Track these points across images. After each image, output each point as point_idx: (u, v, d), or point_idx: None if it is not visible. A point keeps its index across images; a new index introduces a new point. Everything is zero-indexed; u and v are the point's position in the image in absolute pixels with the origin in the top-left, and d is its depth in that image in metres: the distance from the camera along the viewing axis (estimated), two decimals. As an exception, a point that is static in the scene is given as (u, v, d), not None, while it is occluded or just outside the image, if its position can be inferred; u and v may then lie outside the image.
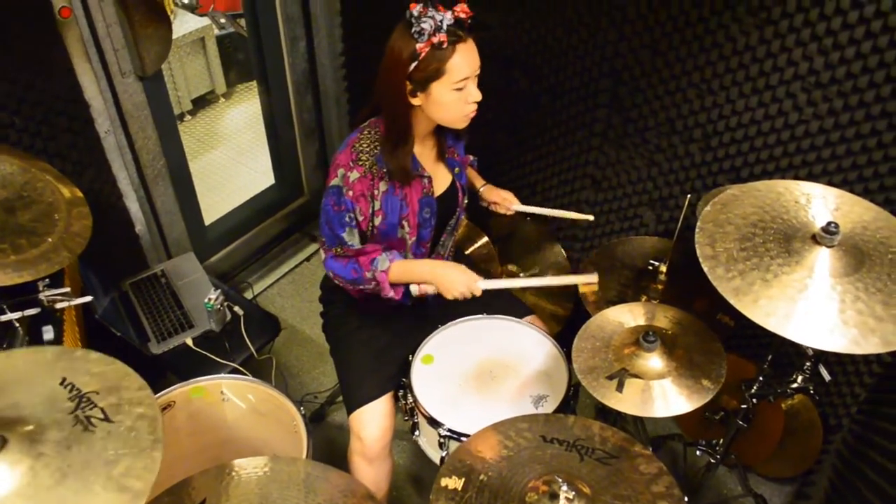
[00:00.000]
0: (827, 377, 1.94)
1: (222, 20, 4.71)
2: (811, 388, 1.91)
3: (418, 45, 1.68)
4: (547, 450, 1.50)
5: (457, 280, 1.90)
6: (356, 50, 3.09)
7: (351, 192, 1.84)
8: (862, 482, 2.02)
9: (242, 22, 4.81)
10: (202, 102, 4.75)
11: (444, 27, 1.67)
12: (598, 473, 1.44)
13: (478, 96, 1.80)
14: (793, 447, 2.46)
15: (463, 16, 1.70)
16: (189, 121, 4.61)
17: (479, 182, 2.30)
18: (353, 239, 1.90)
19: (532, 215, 2.27)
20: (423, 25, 1.66)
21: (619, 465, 1.47)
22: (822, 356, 1.87)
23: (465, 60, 1.72)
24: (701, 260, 1.50)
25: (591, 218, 2.17)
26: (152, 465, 1.25)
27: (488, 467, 1.45)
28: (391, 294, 1.95)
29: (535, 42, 2.42)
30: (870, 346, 1.35)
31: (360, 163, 1.84)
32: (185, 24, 4.36)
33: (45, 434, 1.26)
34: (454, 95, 1.76)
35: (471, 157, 2.26)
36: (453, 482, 1.43)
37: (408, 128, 1.84)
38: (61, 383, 1.36)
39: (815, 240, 1.49)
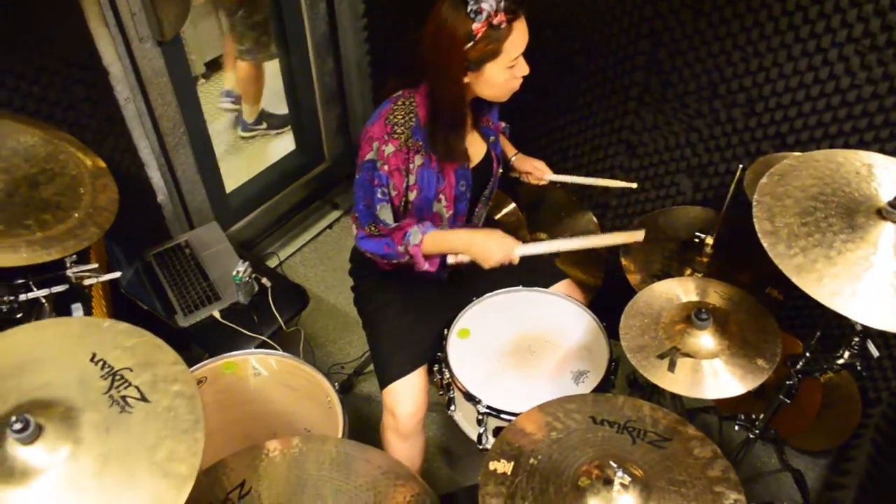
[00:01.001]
0: (875, 353, 1.88)
1: (236, -21, 4.58)
2: (858, 364, 1.86)
3: (475, 26, 1.59)
4: (598, 432, 1.45)
5: (493, 249, 1.80)
6: (378, 12, 2.98)
7: (386, 167, 1.77)
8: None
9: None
10: (215, 66, 4.63)
11: (502, 6, 1.58)
12: (652, 457, 1.39)
13: (526, 70, 1.73)
14: (830, 421, 2.41)
15: None
16: (202, 84, 4.51)
17: (510, 151, 2.23)
18: (386, 215, 1.83)
19: (566, 184, 2.19)
20: (482, 5, 1.57)
21: (672, 448, 1.42)
22: (869, 332, 1.81)
23: (520, 37, 1.65)
24: (760, 236, 1.43)
25: (634, 185, 2.07)
26: (196, 448, 1.21)
27: (538, 450, 1.41)
28: (426, 267, 1.88)
29: (567, 2, 2.32)
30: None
31: (396, 136, 1.76)
32: (197, -16, 4.24)
33: (81, 417, 1.21)
34: (507, 73, 1.70)
35: (503, 124, 2.18)
36: (502, 466, 1.38)
37: (463, 108, 1.77)
38: (92, 359, 1.31)
39: (881, 214, 1.42)
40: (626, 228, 2.03)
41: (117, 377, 1.29)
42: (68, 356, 1.31)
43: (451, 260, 1.88)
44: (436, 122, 1.76)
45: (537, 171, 2.19)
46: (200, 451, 1.21)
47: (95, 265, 1.72)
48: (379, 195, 1.80)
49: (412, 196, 1.84)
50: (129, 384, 1.28)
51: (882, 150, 1.96)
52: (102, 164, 1.84)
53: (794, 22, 1.93)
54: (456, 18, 1.60)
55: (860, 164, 1.55)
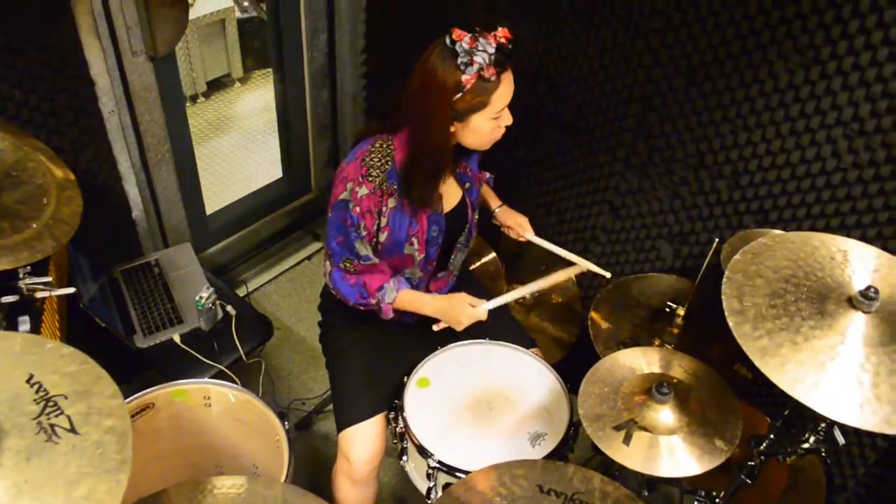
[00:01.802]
0: (841, 441, 1.84)
1: (245, 3, 4.59)
2: (823, 450, 1.81)
3: (465, 77, 1.57)
4: (543, 502, 1.39)
5: (460, 313, 1.86)
6: (379, 49, 2.99)
7: (358, 208, 1.75)
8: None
9: (266, 6, 4.71)
10: (217, 85, 4.65)
11: (492, 59, 1.57)
12: (596, 533, 1.34)
13: (510, 121, 1.72)
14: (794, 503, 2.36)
15: (504, 41, 1.60)
16: (201, 102, 4.52)
17: (494, 202, 2.20)
18: (365, 250, 1.81)
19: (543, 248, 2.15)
20: (474, 58, 1.55)
21: (619, 525, 1.37)
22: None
23: (508, 90, 1.65)
24: (727, 314, 1.39)
25: (608, 275, 2.02)
26: (116, 490, 1.15)
27: (478, 515, 1.35)
28: (390, 316, 1.92)
29: (565, 59, 2.32)
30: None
31: (371, 178, 1.74)
32: (206, 3, 4.27)
33: (4, 441, 1.16)
34: (491, 124, 1.68)
35: (487, 175, 2.16)
36: (439, 530, 1.33)
37: (446, 158, 1.75)
38: (28, 381, 1.26)
39: (852, 303, 1.38)
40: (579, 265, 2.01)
41: (50, 403, 1.24)
42: (3, 374, 1.26)
43: (436, 327, 1.92)
44: (414, 169, 1.74)
45: (519, 228, 2.16)
46: (121, 495, 1.15)
47: (49, 278, 1.67)
48: (353, 235, 1.79)
49: (382, 237, 1.82)
50: (62, 412, 1.23)
51: (863, 237, 1.94)
52: (72, 176, 1.80)
53: (784, 100, 1.93)
54: (446, 69, 1.59)
55: (836, 249, 1.52)
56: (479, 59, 1.56)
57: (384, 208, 1.77)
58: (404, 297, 1.89)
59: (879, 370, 1.31)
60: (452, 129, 1.70)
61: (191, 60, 4.31)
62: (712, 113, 2.06)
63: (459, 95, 1.61)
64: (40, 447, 1.17)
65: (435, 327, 1.92)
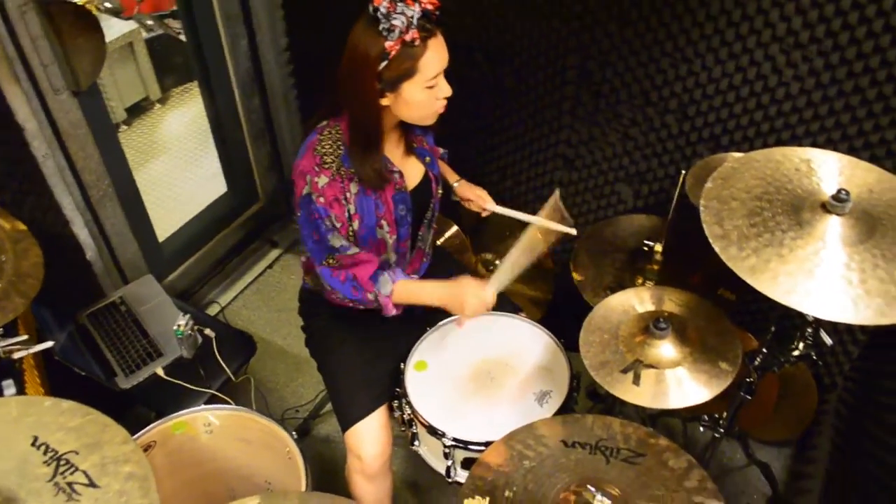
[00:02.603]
0: (829, 342, 1.91)
1: (149, 22, 4.48)
2: (813, 354, 1.88)
3: (388, 44, 1.54)
4: (571, 455, 1.41)
5: (470, 302, 1.78)
6: (301, 44, 2.93)
7: (322, 199, 1.71)
8: (864, 436, 2.01)
9: (171, 22, 4.58)
10: (137, 110, 4.50)
11: (416, 23, 1.53)
12: (628, 475, 1.37)
13: (448, 91, 1.68)
14: (788, 410, 2.44)
15: (430, 7, 1.57)
16: (125, 131, 4.37)
17: (452, 177, 2.19)
18: (339, 242, 1.77)
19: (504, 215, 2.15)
20: (393, 22, 1.52)
21: (646, 463, 1.40)
22: (820, 321, 1.83)
23: (437, 56, 1.60)
24: (711, 240, 1.42)
25: (573, 232, 2.02)
26: (150, 533, 1.13)
27: (512, 482, 1.37)
28: (394, 313, 1.86)
29: (496, 23, 2.31)
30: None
31: (326, 166, 1.71)
32: (110, 29, 4.11)
33: (23, 509, 1.12)
34: (426, 94, 1.64)
35: (441, 150, 2.15)
36: (478, 502, 1.33)
37: (378, 131, 1.72)
38: (33, 444, 1.23)
39: (826, 208, 1.43)
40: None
41: (62, 462, 1.21)
42: (6, 441, 1.22)
43: (459, 325, 1.90)
44: (353, 144, 1.72)
45: (479, 200, 2.16)
46: (156, 537, 1.14)
47: (26, 336, 1.61)
48: (323, 228, 1.75)
49: (356, 225, 1.79)
50: (76, 469, 1.20)
51: (814, 144, 2.00)
52: (22, 226, 1.73)
53: (718, 26, 1.96)
54: (369, 38, 1.56)
55: (799, 160, 1.57)
56: (399, 22, 1.52)
57: (348, 195, 1.74)
58: (403, 288, 1.84)
59: (864, 266, 1.36)
60: (385, 101, 1.66)
61: (105, 90, 4.16)
62: (650, 50, 2.09)
63: (385, 64, 1.57)
64: (62, 507, 1.14)
65: (456, 325, 1.90)
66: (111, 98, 4.23)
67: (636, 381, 1.57)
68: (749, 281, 1.36)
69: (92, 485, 1.17)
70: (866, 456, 1.96)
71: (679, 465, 1.39)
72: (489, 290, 1.80)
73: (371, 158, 1.73)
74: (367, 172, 1.73)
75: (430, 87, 1.64)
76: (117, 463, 1.21)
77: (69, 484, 1.17)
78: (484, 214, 2.18)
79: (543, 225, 2.02)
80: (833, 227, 1.41)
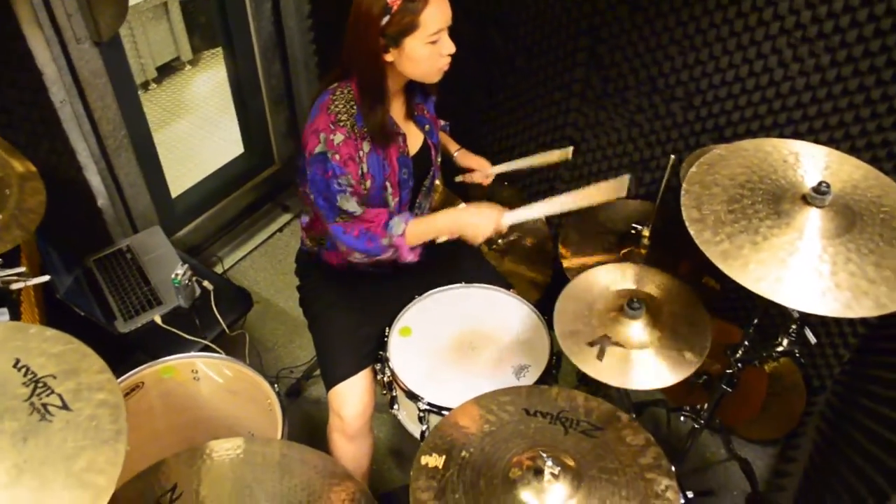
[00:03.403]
0: (812, 340, 1.91)
1: (185, -17, 4.54)
2: (796, 351, 1.88)
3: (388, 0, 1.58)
4: (530, 423, 1.44)
5: (482, 224, 1.81)
6: (324, 11, 2.97)
7: (338, 156, 1.73)
8: (847, 443, 2.01)
9: (206, -15, 4.65)
10: (167, 70, 4.58)
11: None
12: (584, 446, 1.39)
13: (451, 48, 1.70)
14: (776, 409, 2.44)
15: None
16: (154, 89, 4.46)
17: (453, 146, 2.21)
18: (349, 205, 1.79)
19: (509, 174, 2.16)
20: None
21: (604, 437, 1.42)
22: (807, 319, 1.83)
23: (438, 11, 1.63)
24: (687, 223, 1.44)
25: (570, 150, 2.02)
26: (116, 459, 1.18)
27: (470, 443, 1.40)
28: (410, 258, 1.87)
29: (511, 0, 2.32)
30: (863, 309, 1.31)
31: (342, 123, 1.74)
32: (145, -12, 4.19)
33: (-2, 425, 1.18)
34: (428, 49, 1.67)
35: (442, 122, 2.18)
36: (434, 460, 1.37)
37: (383, 85, 1.75)
38: (14, 365, 1.28)
39: (806, 200, 1.44)
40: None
41: (40, 384, 1.25)
42: (-10, 361, 1.27)
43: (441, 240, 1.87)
44: (363, 101, 1.75)
45: (482, 167, 2.18)
46: (121, 463, 1.18)
47: (23, 268, 1.68)
48: (335, 186, 1.76)
49: (368, 184, 1.82)
50: (52, 391, 1.25)
51: (816, 141, 1.98)
52: (32, 167, 1.80)
53: (728, 16, 1.96)
54: None
55: (788, 152, 1.57)
56: None
57: (361, 153, 1.77)
58: (415, 227, 1.84)
59: (837, 259, 1.36)
60: (390, 57, 1.69)
61: (137, 47, 4.24)
62: (659, 37, 2.09)
63: (388, 19, 1.61)
64: (35, 427, 1.19)
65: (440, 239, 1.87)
66: (143, 56, 4.31)
67: (600, 356, 1.59)
68: (720, 266, 1.38)
69: (65, 407, 1.22)
70: (843, 458, 1.97)
71: (636, 442, 1.41)
72: (507, 217, 1.81)
73: (378, 112, 1.76)
74: (375, 127, 1.76)
75: (433, 43, 1.67)
76: (91, 390, 1.26)
77: (44, 405, 1.22)
78: (487, 182, 2.19)
79: (541, 161, 2.05)
80: (811, 219, 1.42)
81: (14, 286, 1.67)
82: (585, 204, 1.82)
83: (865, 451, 1.83)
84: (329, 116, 1.74)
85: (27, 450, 1.17)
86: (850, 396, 2.19)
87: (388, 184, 1.85)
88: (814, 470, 2.13)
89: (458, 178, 2.23)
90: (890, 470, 1.54)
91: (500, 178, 2.32)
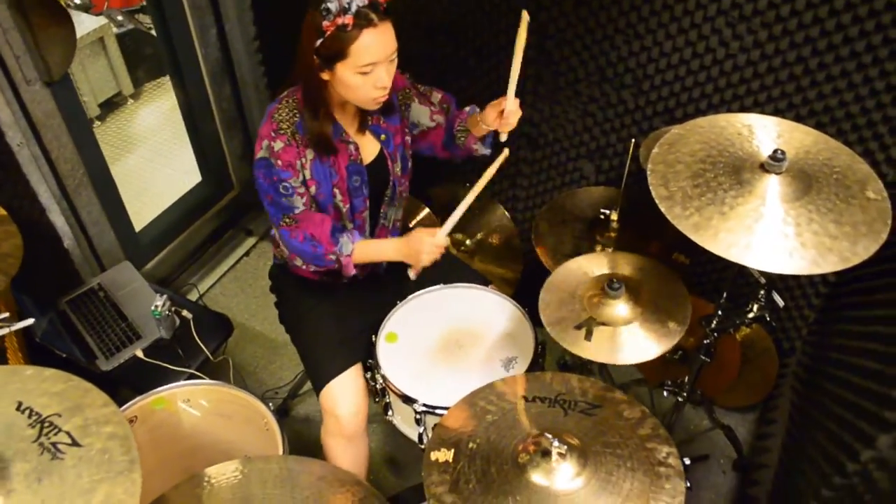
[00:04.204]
0: (781, 303, 2.01)
1: (119, 17, 4.49)
2: (767, 315, 1.97)
3: (324, 23, 1.61)
4: (531, 409, 1.49)
5: (422, 249, 1.86)
6: (270, 32, 2.98)
7: (279, 162, 1.79)
8: (822, 397, 2.10)
9: (141, 17, 4.61)
10: (110, 106, 4.52)
11: (353, 10, 1.60)
12: (585, 424, 1.45)
13: (385, 83, 1.72)
14: (751, 376, 2.54)
15: (380, 0, 1.64)
16: (99, 126, 4.39)
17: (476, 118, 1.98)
18: (295, 204, 1.84)
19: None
20: (329, 4, 1.59)
21: (602, 413, 1.48)
22: (773, 284, 1.92)
23: (373, 45, 1.65)
24: (657, 201, 1.51)
25: (505, 152, 1.95)
26: (133, 489, 1.20)
27: (476, 434, 1.44)
28: (353, 272, 1.93)
29: (457, 4, 2.38)
30: (828, 264, 1.39)
31: (282, 132, 1.79)
32: (80, 24, 4.12)
33: (10, 468, 1.19)
34: (359, 79, 1.69)
35: (468, 108, 2.02)
36: (443, 454, 1.41)
37: (320, 99, 1.79)
38: (17, 408, 1.29)
39: (764, 168, 1.52)
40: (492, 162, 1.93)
41: (46, 424, 1.26)
42: (-8, 407, 1.27)
43: (412, 275, 1.94)
44: (305, 110, 1.80)
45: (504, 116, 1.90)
46: (138, 492, 1.20)
47: (7, 314, 1.67)
48: (281, 189, 1.82)
49: (313, 190, 1.86)
50: (59, 430, 1.26)
51: (762, 113, 2.08)
52: (2, 211, 1.79)
53: (667, 2, 2.05)
54: (314, 13, 1.63)
55: (741, 125, 1.66)
56: (332, 5, 1.59)
57: (304, 160, 1.81)
58: (363, 248, 1.92)
59: (800, 221, 1.45)
60: (325, 76, 1.73)
61: (78, 85, 4.19)
62: (604, 28, 2.17)
63: (320, 41, 1.65)
64: (47, 466, 1.20)
65: (410, 273, 1.93)
66: (84, 94, 4.25)
67: (588, 336, 1.65)
68: (692, 237, 1.45)
69: (75, 444, 1.23)
70: (822, 411, 2.06)
71: (633, 415, 1.47)
72: (440, 234, 1.88)
73: (317, 123, 1.80)
74: (315, 136, 1.80)
75: (364, 74, 1.69)
76: (99, 424, 1.27)
77: (53, 444, 1.23)
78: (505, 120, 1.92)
79: (486, 180, 1.95)
80: (771, 186, 1.50)
81: (-2, 333, 1.66)
82: (487, 180, 1.92)
83: (843, 401, 1.92)
84: (272, 124, 1.80)
85: (43, 490, 1.18)
86: (820, 353, 2.28)
87: (336, 191, 1.90)
88: (795, 428, 2.22)
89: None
90: (870, 413, 1.62)
91: (460, 181, 2.34)
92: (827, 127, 2.03)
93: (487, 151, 2.06)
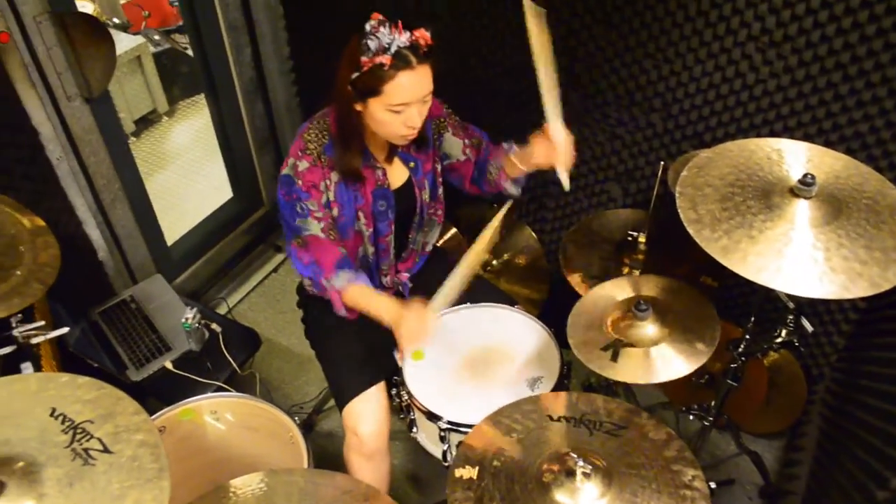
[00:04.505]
0: (810, 328, 1.99)
1: (157, 37, 4.61)
2: (795, 340, 1.95)
3: (362, 59, 1.64)
4: (556, 428, 1.50)
5: (415, 332, 1.76)
6: (304, 53, 3.04)
7: (300, 182, 1.82)
8: (852, 424, 2.07)
9: (177, 37, 4.72)
10: (145, 123, 4.63)
11: (393, 50, 1.63)
12: (610, 445, 1.45)
13: (416, 122, 1.75)
14: (779, 402, 2.51)
15: (421, 42, 1.67)
16: (134, 143, 4.49)
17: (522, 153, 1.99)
18: (307, 227, 1.86)
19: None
20: (369, 42, 1.62)
21: (628, 434, 1.47)
22: (802, 309, 1.91)
23: (407, 86, 1.67)
24: (686, 224, 1.51)
25: (515, 195, 1.98)
26: (161, 496, 1.22)
27: (500, 452, 1.45)
28: (343, 313, 1.93)
29: (488, 27, 2.41)
30: (858, 289, 1.38)
31: (309, 152, 1.82)
32: (118, 44, 4.18)
33: (43, 472, 1.22)
34: (390, 116, 1.72)
35: (505, 145, 2.03)
36: (468, 472, 1.41)
37: (354, 129, 1.82)
38: (51, 414, 1.32)
39: (794, 192, 1.52)
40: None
41: (78, 430, 1.29)
42: (27, 412, 1.31)
43: (398, 356, 1.92)
44: (337, 137, 1.83)
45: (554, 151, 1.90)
46: (167, 499, 1.22)
47: (42, 322, 1.71)
48: (298, 209, 1.84)
49: (335, 212, 1.89)
50: (91, 436, 1.28)
51: (792, 138, 2.08)
52: (41, 222, 1.84)
53: (697, 27, 2.06)
54: (355, 46, 1.66)
55: (770, 149, 1.66)
56: (373, 44, 1.62)
57: (328, 182, 1.84)
58: (357, 291, 1.87)
59: (829, 246, 1.44)
60: (359, 107, 1.76)
61: (114, 102, 4.28)
62: (633, 52, 2.19)
63: (357, 75, 1.68)
64: (79, 471, 1.23)
65: (397, 355, 1.91)
66: (120, 110, 4.34)
67: (614, 357, 1.65)
68: (721, 260, 1.45)
69: (106, 451, 1.26)
70: (852, 439, 2.03)
71: (659, 437, 1.47)
72: (430, 314, 1.78)
73: (348, 152, 1.83)
74: (345, 165, 1.84)
75: (396, 112, 1.71)
76: (129, 431, 1.29)
77: (85, 450, 1.25)
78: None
79: (491, 232, 1.84)
80: (801, 210, 1.50)
81: (34, 340, 1.70)
82: (483, 246, 1.80)
83: (873, 428, 1.90)
84: (300, 144, 1.84)
85: (75, 494, 1.20)
86: (850, 380, 2.26)
87: (360, 214, 1.92)
88: (823, 455, 2.19)
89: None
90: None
91: (487, 201, 2.36)
92: (857, 153, 2.02)
93: (517, 194, 2.04)
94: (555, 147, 1.85)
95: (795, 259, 1.43)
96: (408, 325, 1.76)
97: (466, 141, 2.06)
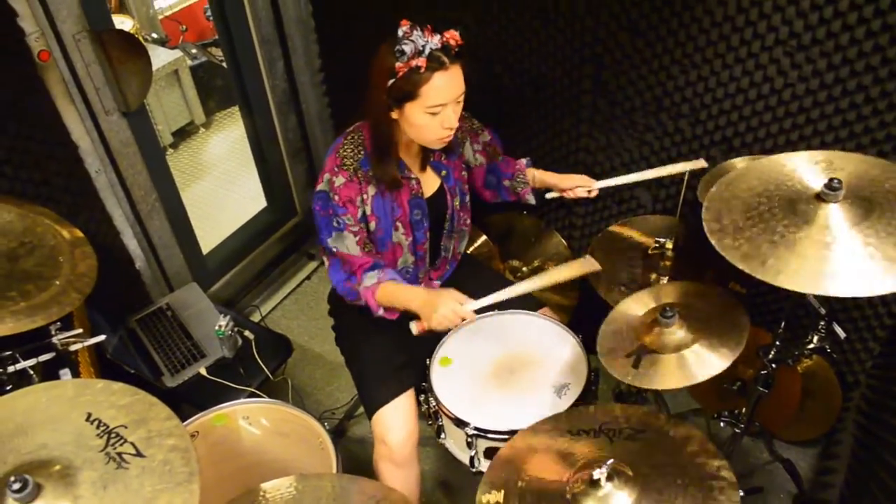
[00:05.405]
0: (842, 334, 1.96)
1: (193, 50, 4.71)
2: (827, 346, 1.93)
3: (397, 64, 1.68)
4: (576, 442, 1.50)
5: (440, 311, 1.78)
6: (334, 65, 3.09)
7: (337, 197, 1.86)
8: (887, 433, 2.04)
9: (213, 50, 4.82)
10: (183, 134, 4.74)
11: (427, 52, 1.67)
12: (631, 449, 1.46)
13: (453, 123, 1.78)
14: (813, 409, 2.47)
15: (452, 42, 1.70)
16: (171, 154, 4.59)
17: (549, 177, 2.21)
18: (341, 243, 1.90)
19: (611, 188, 2.17)
20: (404, 47, 1.66)
21: (648, 436, 1.48)
22: (834, 315, 1.88)
23: (442, 87, 1.71)
24: (708, 234, 1.51)
25: (703, 164, 2.08)
26: (192, 499, 1.25)
27: (523, 472, 1.46)
28: (381, 313, 1.94)
29: (514, 36, 2.42)
30: (888, 285, 1.35)
31: (345, 167, 1.86)
32: (156, 58, 4.34)
33: (79, 475, 1.26)
34: (427, 119, 1.76)
35: (524, 160, 2.25)
36: (493, 497, 1.43)
37: (390, 139, 1.85)
38: (87, 419, 1.36)
39: (821, 198, 1.51)
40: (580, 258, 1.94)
41: (113, 435, 1.33)
42: (64, 417, 1.35)
43: (414, 330, 1.88)
44: (372, 149, 1.87)
45: (585, 184, 2.17)
46: (197, 503, 1.25)
47: (80, 330, 1.76)
48: (334, 223, 1.88)
49: (372, 226, 1.92)
50: (125, 441, 1.32)
51: (822, 143, 2.06)
52: (80, 233, 1.90)
53: (724, 32, 2.04)
54: (386, 53, 1.70)
55: (799, 163, 1.64)
56: (408, 48, 1.66)
57: (365, 196, 1.88)
58: (388, 288, 1.89)
59: (855, 246, 1.42)
60: (394, 115, 1.79)
61: (153, 115, 4.39)
62: (660, 58, 2.18)
63: (392, 81, 1.71)
64: (113, 475, 1.27)
65: (412, 327, 1.87)
66: (158, 122, 4.46)
67: (636, 364, 1.64)
68: (740, 266, 1.44)
69: (139, 455, 1.30)
70: (887, 447, 2.00)
71: (679, 434, 1.47)
72: (470, 305, 1.82)
73: (386, 162, 1.87)
74: (383, 175, 1.87)
75: (433, 114, 1.75)
76: (161, 436, 1.33)
77: (119, 454, 1.29)
78: (594, 195, 2.18)
79: (663, 174, 2.10)
80: (827, 214, 1.48)
81: (73, 347, 1.76)
82: (551, 283, 1.88)
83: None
84: (336, 159, 1.87)
85: (108, 497, 1.24)
86: (886, 387, 2.22)
87: (399, 224, 1.95)
88: (858, 463, 2.15)
89: (550, 196, 2.22)
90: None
91: (519, 207, 2.41)
92: (890, 156, 1.99)
93: (533, 202, 2.23)
94: (575, 193, 2.16)
95: (816, 261, 1.41)
96: (444, 305, 1.78)
97: (479, 146, 2.13)
